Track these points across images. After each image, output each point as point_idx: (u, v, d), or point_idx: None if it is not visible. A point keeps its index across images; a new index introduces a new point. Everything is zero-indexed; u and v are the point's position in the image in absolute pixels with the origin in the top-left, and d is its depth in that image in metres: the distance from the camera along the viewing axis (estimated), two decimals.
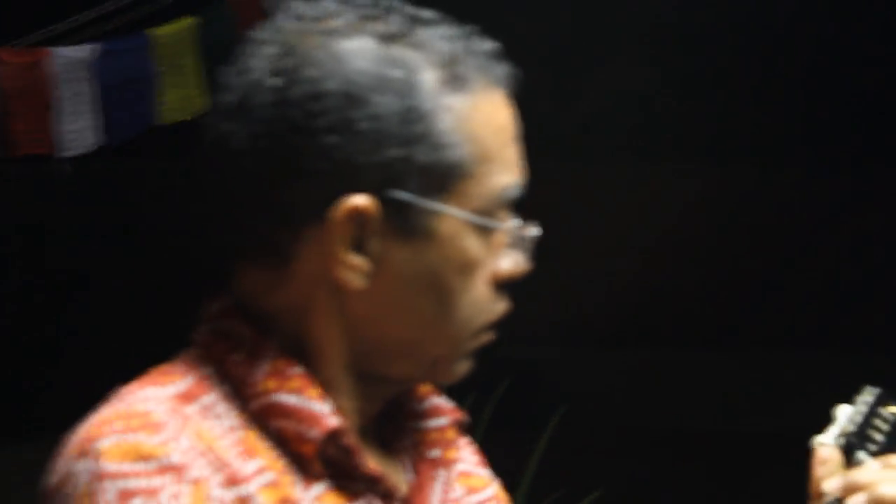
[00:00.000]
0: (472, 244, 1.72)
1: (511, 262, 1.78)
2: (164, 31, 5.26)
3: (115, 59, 5.10)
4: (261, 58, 1.70)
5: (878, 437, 1.94)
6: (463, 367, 1.81)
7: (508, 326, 1.86)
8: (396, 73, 1.66)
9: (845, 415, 1.95)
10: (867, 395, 1.97)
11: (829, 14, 14.92)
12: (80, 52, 4.98)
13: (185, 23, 5.39)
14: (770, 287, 14.31)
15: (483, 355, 1.87)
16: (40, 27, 5.33)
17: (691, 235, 15.44)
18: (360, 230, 1.66)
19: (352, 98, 1.65)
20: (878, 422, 1.97)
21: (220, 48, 5.27)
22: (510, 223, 1.76)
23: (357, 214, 1.64)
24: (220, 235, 1.78)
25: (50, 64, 4.89)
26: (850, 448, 1.93)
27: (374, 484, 1.74)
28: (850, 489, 1.85)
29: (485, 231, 1.72)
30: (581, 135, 14.45)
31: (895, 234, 14.08)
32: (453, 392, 1.91)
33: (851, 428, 1.95)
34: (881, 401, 1.97)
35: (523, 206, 1.76)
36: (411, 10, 1.73)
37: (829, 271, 14.64)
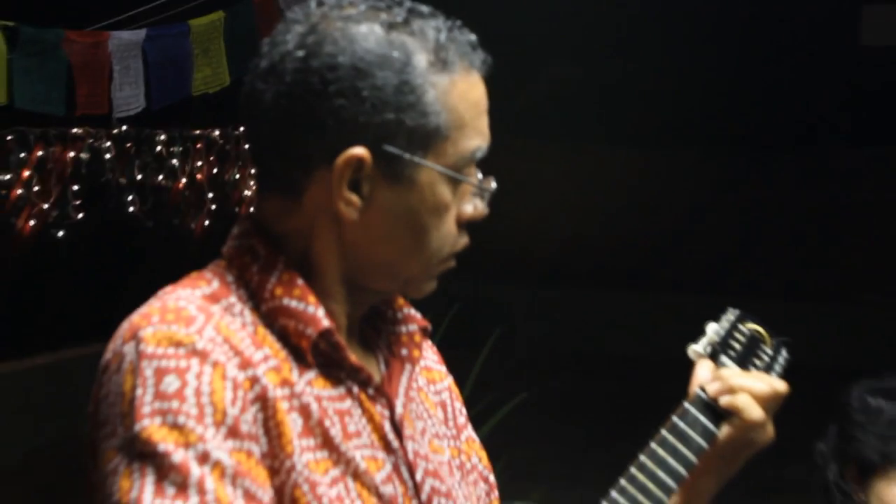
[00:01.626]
0: (444, 192, 1.83)
1: (473, 207, 1.89)
2: (199, 21, 5.27)
3: (160, 42, 5.10)
4: (291, 33, 1.80)
5: (738, 346, 2.12)
6: (431, 286, 1.93)
7: (461, 263, 1.99)
8: (395, 54, 1.78)
9: (712, 329, 2.10)
10: (730, 315, 2.13)
11: (743, 15, 14.80)
12: (132, 36, 4.98)
13: (216, 16, 5.40)
14: (677, 239, 14.29)
15: (440, 286, 2.00)
16: (104, 16, 5.32)
17: (612, 199, 15.43)
18: (357, 174, 1.78)
19: (359, 71, 1.77)
20: (737, 335, 2.12)
21: (241, 37, 5.32)
22: (475, 178, 1.88)
23: (356, 161, 1.76)
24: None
25: (108, 44, 4.88)
26: (715, 354, 2.10)
27: (355, 373, 1.84)
28: (713, 381, 2.04)
29: (455, 182, 1.84)
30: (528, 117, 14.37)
31: (773, 201, 14.11)
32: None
33: (716, 338, 2.11)
34: (740, 319, 2.14)
35: (486, 165, 1.89)
36: (411, 4, 1.84)
37: (720, 231, 14.68)
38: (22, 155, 6.14)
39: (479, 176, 1.89)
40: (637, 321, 13.73)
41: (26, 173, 6.33)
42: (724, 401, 2.02)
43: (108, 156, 8.75)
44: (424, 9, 1.85)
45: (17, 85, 4.44)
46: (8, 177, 6.45)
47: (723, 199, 15.21)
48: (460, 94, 1.82)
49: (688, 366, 2.12)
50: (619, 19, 15.01)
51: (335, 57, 1.76)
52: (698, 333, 2.10)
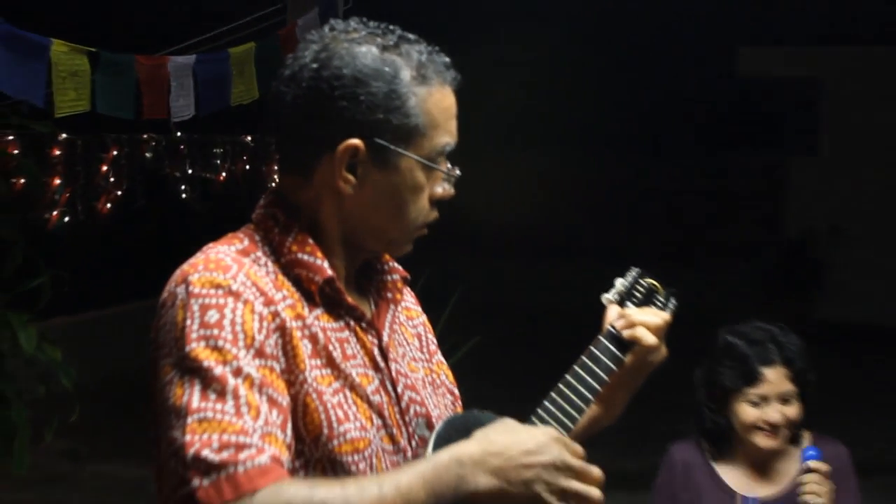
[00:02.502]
0: (420, 176, 1.88)
1: (442, 189, 1.93)
2: (237, 50, 5.29)
3: (207, 65, 5.11)
4: (308, 50, 1.84)
5: (639, 295, 2.19)
6: (408, 247, 1.98)
7: (430, 242, 2.05)
8: (386, 69, 1.82)
9: (619, 283, 2.20)
10: (632, 272, 2.21)
11: (649, 50, 14.93)
12: (186, 60, 4.99)
13: (249, 46, 5.42)
14: (590, 219, 14.37)
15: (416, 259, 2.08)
16: (165, 45, 5.34)
17: (542, 191, 15.52)
18: (353, 159, 1.82)
19: (358, 81, 1.80)
20: (638, 287, 2.20)
21: (268, 62, 5.34)
22: (445, 167, 1.91)
23: (353, 149, 1.81)
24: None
25: (168, 67, 4.90)
26: (622, 300, 2.17)
27: (351, 311, 1.89)
28: (619, 319, 2.10)
29: (429, 169, 1.88)
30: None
31: (662, 191, 14.24)
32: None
33: (622, 289, 2.19)
34: (640, 275, 2.21)
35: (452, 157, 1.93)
36: (401, 32, 1.88)
37: (625, 212, 14.79)
38: (102, 156, 6.19)
39: (448, 165, 1.93)
40: (562, 281, 13.77)
41: (104, 168, 6.37)
42: (627, 333, 2.08)
43: (166, 154, 8.81)
44: (411, 36, 1.87)
45: (98, 96, 4.46)
46: (90, 174, 6.47)
47: (625, 189, 15.37)
48: (435, 102, 1.85)
49: (602, 313, 2.18)
50: (549, 57, 15.05)
51: (340, 69, 1.79)
52: (609, 287, 2.18)
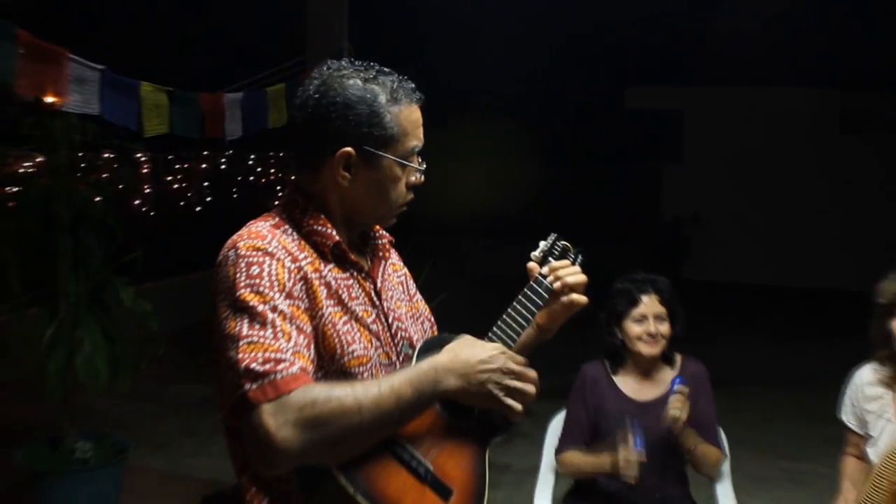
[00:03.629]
0: (398, 171, 1.84)
1: (415, 178, 1.90)
2: (272, 89, 5.25)
3: (251, 100, 5.08)
4: (312, 84, 1.80)
5: (557, 252, 2.10)
6: (393, 221, 1.94)
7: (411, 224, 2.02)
8: (368, 95, 1.78)
9: (542, 244, 2.13)
10: (551, 237, 2.13)
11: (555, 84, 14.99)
12: (236, 96, 4.96)
13: (280, 86, 5.37)
14: (523, 210, 14.23)
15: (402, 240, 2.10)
16: (223, 85, 5.30)
17: (484, 186, 15.51)
18: (347, 162, 1.79)
19: (348, 105, 1.76)
20: (556, 247, 2.12)
21: (293, 96, 5.32)
22: (416, 163, 1.88)
23: (346, 155, 1.78)
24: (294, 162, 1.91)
25: (224, 101, 4.86)
26: (545, 258, 2.09)
27: (354, 265, 1.86)
28: (549, 272, 2.04)
29: (403, 165, 1.84)
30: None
31: (569, 190, 14.23)
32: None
33: (545, 248, 2.11)
34: (558, 238, 2.12)
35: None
36: (378, 66, 1.84)
37: (546, 205, 14.73)
38: (177, 166, 6.22)
39: (419, 161, 1.90)
40: (504, 251, 13.70)
41: (177, 176, 6.39)
42: (557, 285, 2.04)
43: (223, 166, 8.80)
44: (386, 69, 1.83)
45: (174, 122, 4.44)
46: (168, 178, 6.51)
47: (547, 188, 15.24)
48: (405, 116, 1.81)
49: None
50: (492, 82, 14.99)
51: (334, 98, 1.76)
52: (535, 248, 2.13)
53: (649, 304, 3.35)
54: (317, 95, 1.78)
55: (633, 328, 3.36)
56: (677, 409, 3.14)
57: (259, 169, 9.41)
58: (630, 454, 3.09)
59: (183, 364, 7.77)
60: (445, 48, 13.50)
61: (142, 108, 4.34)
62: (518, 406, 1.75)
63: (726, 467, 3.55)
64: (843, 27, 11.78)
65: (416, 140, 1.85)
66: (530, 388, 1.77)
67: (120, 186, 5.33)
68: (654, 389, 3.44)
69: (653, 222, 14.11)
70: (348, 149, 1.77)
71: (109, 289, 4.53)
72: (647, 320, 3.34)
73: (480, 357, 1.74)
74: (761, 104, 13.48)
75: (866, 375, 3.28)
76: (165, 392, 7.29)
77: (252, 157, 9.29)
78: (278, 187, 10.17)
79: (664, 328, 3.37)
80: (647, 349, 3.35)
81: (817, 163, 13.25)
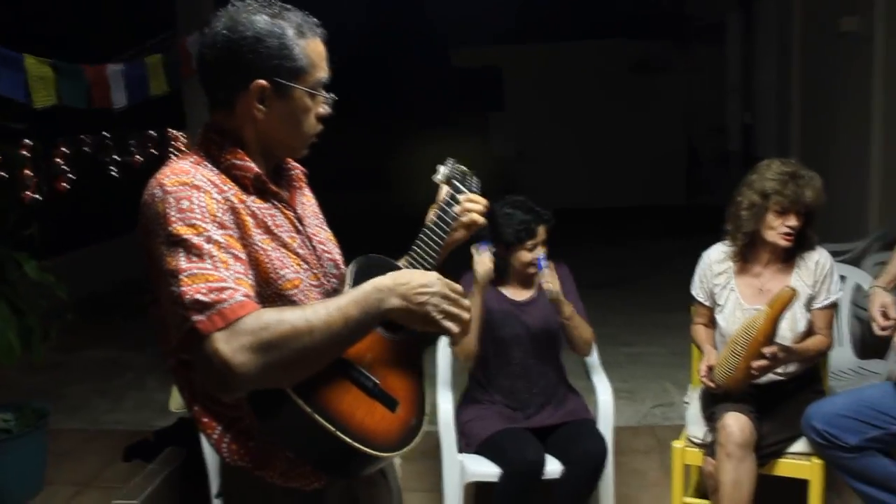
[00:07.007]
0: (308, 101, 1.69)
1: (323, 109, 1.73)
2: (150, 59, 4.88)
3: (132, 70, 4.71)
4: (219, 22, 1.64)
5: (458, 175, 1.98)
6: (305, 153, 1.78)
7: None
8: (276, 30, 1.63)
9: (442, 168, 1.99)
10: (449, 161, 2.00)
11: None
12: (117, 67, 4.63)
13: (157, 57, 5.01)
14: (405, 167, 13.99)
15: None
16: (106, 58, 4.92)
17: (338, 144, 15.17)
18: (261, 94, 1.63)
19: (258, 39, 1.61)
20: (456, 169, 1.99)
21: (172, 67, 4.95)
22: (324, 94, 1.72)
23: (260, 87, 1.63)
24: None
25: (107, 71, 4.50)
26: (448, 180, 1.97)
27: (274, 195, 1.73)
28: (448, 197, 1.94)
29: (314, 96, 1.69)
30: None
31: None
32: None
33: (447, 172, 1.99)
34: (455, 162, 2.00)
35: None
36: (280, 3, 1.67)
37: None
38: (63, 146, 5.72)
39: (326, 92, 1.74)
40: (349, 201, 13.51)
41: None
42: (465, 219, 1.95)
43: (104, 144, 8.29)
44: (288, 6, 1.69)
45: (62, 94, 4.07)
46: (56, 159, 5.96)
47: (389, 140, 14.94)
48: (312, 49, 1.67)
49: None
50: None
51: (244, 32, 1.61)
52: (435, 172, 1.99)
53: (541, 232, 3.31)
54: (225, 31, 1.63)
55: (526, 255, 3.32)
56: (549, 280, 3.26)
57: (132, 147, 8.92)
58: (482, 256, 3.26)
59: (89, 330, 7.39)
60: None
61: (28, 81, 3.98)
62: (455, 328, 1.68)
63: (594, 349, 3.59)
64: None
65: (323, 72, 1.72)
66: (465, 314, 1.69)
67: (6, 168, 4.87)
68: (530, 292, 3.43)
69: (483, 162, 14.22)
70: (262, 81, 1.63)
71: (10, 265, 4.13)
72: (538, 248, 3.30)
73: (421, 281, 1.64)
74: (565, 55, 13.89)
75: (714, 254, 3.39)
76: (76, 357, 6.86)
77: (126, 138, 8.80)
78: (151, 162, 9.68)
79: (544, 249, 3.35)
80: (535, 269, 3.34)
81: (614, 100, 13.76)
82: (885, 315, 2.94)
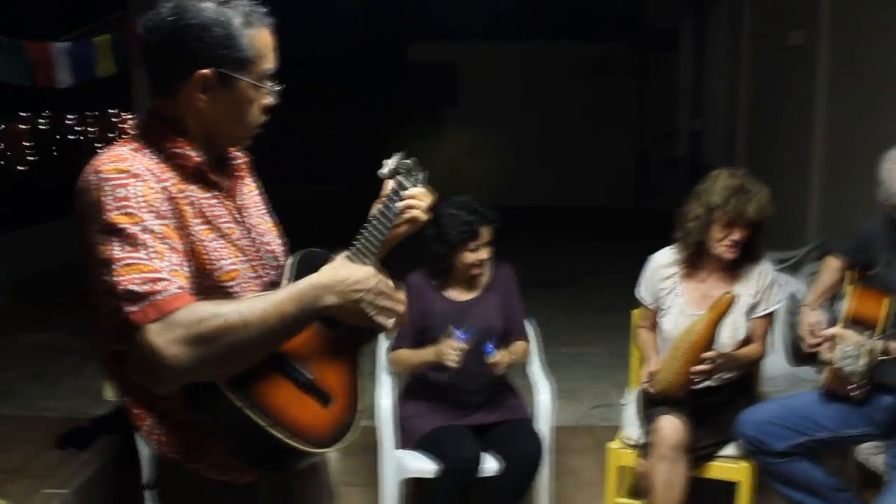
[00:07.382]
0: (252, 93, 1.66)
1: (268, 101, 1.71)
2: (98, 40, 4.77)
3: (79, 49, 4.60)
4: (164, 9, 1.59)
5: (404, 169, 1.95)
6: (249, 143, 1.76)
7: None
8: (223, 19, 1.59)
9: (388, 162, 1.95)
10: (396, 155, 1.96)
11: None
12: (64, 46, 4.50)
13: (106, 37, 4.89)
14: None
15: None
16: (52, 35, 4.83)
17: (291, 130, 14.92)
18: (205, 83, 1.60)
19: (203, 27, 1.57)
20: (402, 164, 1.96)
21: (120, 49, 4.84)
22: (269, 85, 1.69)
23: (203, 77, 1.59)
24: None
25: (52, 50, 4.40)
26: (392, 174, 1.94)
27: (215, 185, 1.70)
28: (393, 191, 1.92)
29: (259, 87, 1.66)
30: None
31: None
32: None
33: (392, 166, 1.95)
34: (402, 157, 1.95)
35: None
36: None
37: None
38: None
39: (272, 83, 1.71)
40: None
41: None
42: (409, 214, 1.94)
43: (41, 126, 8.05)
44: None
45: (3, 70, 3.95)
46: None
47: (344, 133, 14.87)
48: (259, 39, 1.64)
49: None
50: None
51: (191, 20, 1.57)
52: (381, 167, 1.97)
53: (485, 234, 3.30)
54: (171, 18, 1.58)
55: (470, 256, 3.31)
56: (499, 361, 3.29)
57: (78, 127, 8.69)
58: (453, 344, 3.21)
59: (30, 312, 7.19)
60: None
61: None
62: (389, 323, 1.70)
63: (534, 349, 3.61)
64: None
65: (270, 63, 1.68)
66: (399, 308, 1.71)
67: None
68: (472, 292, 3.43)
69: (435, 158, 14.23)
70: (206, 71, 1.59)
71: None
72: (481, 249, 3.29)
73: (356, 277, 1.64)
74: (522, 55, 14.00)
75: (662, 258, 3.42)
76: (8, 343, 6.65)
77: (70, 116, 8.57)
78: (97, 145, 9.45)
79: (489, 250, 3.34)
80: (480, 270, 3.35)
81: (568, 101, 13.85)
82: (813, 334, 3.06)
